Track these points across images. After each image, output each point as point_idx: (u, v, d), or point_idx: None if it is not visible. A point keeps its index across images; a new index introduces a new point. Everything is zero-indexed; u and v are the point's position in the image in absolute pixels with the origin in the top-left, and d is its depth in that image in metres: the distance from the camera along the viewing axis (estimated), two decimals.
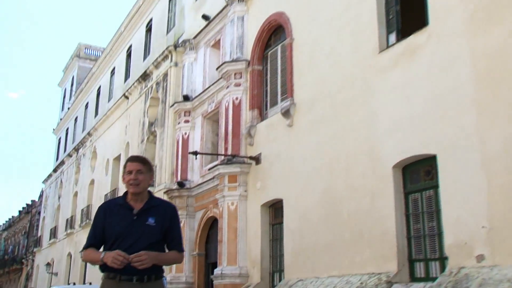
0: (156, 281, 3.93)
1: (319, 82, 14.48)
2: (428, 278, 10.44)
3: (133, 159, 4.12)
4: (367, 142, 12.24)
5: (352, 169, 12.66)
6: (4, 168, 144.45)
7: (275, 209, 16.48)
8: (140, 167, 4.03)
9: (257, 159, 17.01)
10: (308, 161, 14.43)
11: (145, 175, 4.06)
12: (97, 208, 4.16)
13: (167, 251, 4.08)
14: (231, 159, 17.58)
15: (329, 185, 13.38)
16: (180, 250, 4.12)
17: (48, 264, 40.15)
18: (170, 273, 20.89)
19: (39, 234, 48.90)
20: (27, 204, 59.17)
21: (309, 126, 14.67)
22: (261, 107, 17.91)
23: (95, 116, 37.76)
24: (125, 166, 4.11)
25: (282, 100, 16.72)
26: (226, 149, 18.26)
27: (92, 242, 3.95)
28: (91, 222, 4.26)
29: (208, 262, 20.83)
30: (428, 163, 10.86)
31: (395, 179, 11.39)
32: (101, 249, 3.96)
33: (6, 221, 70.47)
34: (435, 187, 10.57)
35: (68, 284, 31.15)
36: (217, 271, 17.16)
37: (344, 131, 13.13)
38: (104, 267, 3.84)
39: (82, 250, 4.07)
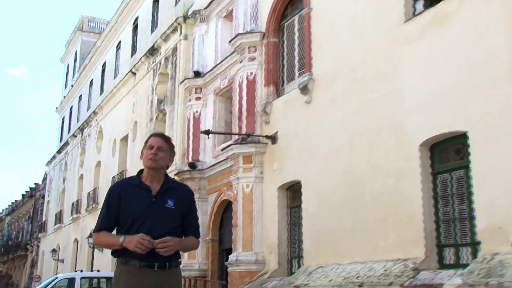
0: (175, 268, 3.96)
1: (339, 55, 14.37)
2: (458, 264, 10.41)
3: (156, 134, 4.13)
4: (392, 119, 12.16)
5: (375, 148, 12.60)
6: (5, 149, 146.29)
7: (293, 191, 16.50)
8: (163, 144, 4.04)
9: (273, 138, 17.00)
10: (328, 139, 14.39)
11: (165, 154, 4.04)
12: (107, 189, 4.11)
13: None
14: (246, 138, 17.58)
15: (351, 166, 13.35)
16: (198, 236, 4.14)
17: (53, 251, 40.79)
18: (182, 258, 21.01)
19: (43, 219, 49.61)
20: (30, 188, 59.96)
21: (328, 102, 14.60)
22: (277, 83, 17.85)
23: (101, 94, 37.92)
24: (146, 141, 4.11)
25: (299, 75, 16.63)
26: (240, 127, 18.26)
27: (106, 225, 3.91)
28: (98, 205, 4.16)
29: (222, 248, 20.98)
30: (458, 141, 10.77)
31: (422, 159, 11.32)
32: (114, 233, 3.96)
33: (9, 205, 71.58)
34: (466, 167, 10.50)
35: (75, 271, 31.63)
36: (231, 257, 17.29)
37: (367, 107, 13.05)
38: (119, 253, 3.83)
39: (93, 232, 4.01)
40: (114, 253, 3.92)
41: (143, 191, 3.95)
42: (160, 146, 4.02)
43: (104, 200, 4.02)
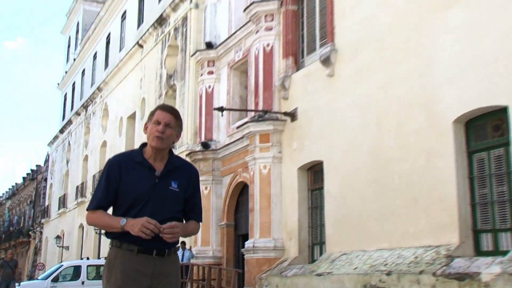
0: (174, 255, 3.91)
1: (364, 23, 14.23)
2: (497, 251, 10.35)
3: (165, 108, 3.96)
4: (423, 92, 12.04)
5: (404, 124, 12.52)
6: (3, 129, 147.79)
7: (314, 172, 16.49)
8: (171, 120, 3.90)
9: (292, 115, 16.96)
10: (352, 116, 14.33)
11: (173, 131, 3.91)
12: (107, 162, 3.98)
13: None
14: (263, 115, 17.56)
15: (377, 144, 13.28)
16: (200, 220, 4.07)
17: (58, 237, 41.34)
18: (195, 246, 21.27)
19: (46, 203, 50.23)
20: (31, 170, 60.65)
21: (353, 75, 14.50)
22: (296, 55, 17.74)
23: (105, 68, 38.02)
24: (152, 114, 3.96)
25: (321, 45, 16.51)
26: (256, 104, 18.23)
27: (103, 203, 3.82)
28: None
29: (238, 233, 21.10)
30: (497, 116, 10.64)
31: (456, 136, 11.22)
32: (109, 213, 3.91)
33: (9, 189, 72.49)
34: (506, 144, 10.38)
35: (81, 259, 32.06)
36: (248, 244, 17.39)
37: (395, 80, 12.93)
38: (115, 234, 3.77)
39: (87, 210, 3.89)
40: (109, 234, 3.86)
41: (146, 170, 3.86)
42: (168, 122, 3.89)
43: (102, 175, 3.90)
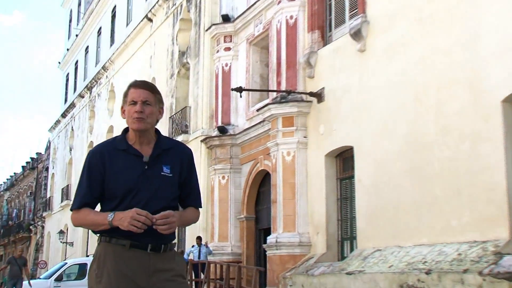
0: (171, 251, 3.87)
1: None
2: None
3: (138, 84, 3.90)
4: (467, 69, 11.91)
5: (446, 105, 12.41)
6: (0, 113, 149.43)
7: (343, 159, 16.47)
8: (148, 96, 3.85)
9: (319, 96, 16.91)
10: (386, 96, 14.24)
11: (153, 108, 3.86)
12: (88, 154, 3.94)
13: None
14: (286, 96, 17.53)
15: (415, 127, 13.20)
16: (199, 206, 4.04)
17: (61, 232, 41.82)
18: (212, 241, 21.36)
19: (48, 195, 50.77)
20: (31, 158, 61.28)
21: (387, 50, 14.40)
22: (323, 28, 17.64)
23: (111, 45, 38.16)
24: (126, 94, 3.90)
25: (351, 17, 16.41)
26: (278, 83, 18.20)
27: (88, 200, 3.79)
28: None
29: (259, 228, 21.15)
30: None
31: (505, 117, 11.09)
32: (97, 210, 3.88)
33: (7, 179, 73.33)
34: None
35: (87, 256, 32.41)
36: (270, 239, 17.41)
37: (435, 56, 12.80)
38: (103, 230, 3.75)
39: (70, 210, 3.87)
40: (97, 231, 3.83)
41: (132, 157, 3.82)
42: (145, 99, 3.83)
43: (83, 169, 3.88)
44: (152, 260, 3.75)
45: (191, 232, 23.24)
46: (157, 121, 3.96)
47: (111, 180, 3.78)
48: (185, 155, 3.99)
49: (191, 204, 3.98)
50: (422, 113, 13.05)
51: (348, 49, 15.85)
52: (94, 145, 38.46)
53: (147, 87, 3.90)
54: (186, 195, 3.96)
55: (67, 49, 50.47)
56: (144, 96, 3.84)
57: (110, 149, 3.87)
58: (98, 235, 3.84)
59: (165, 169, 3.84)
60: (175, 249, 4.04)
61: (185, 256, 20.62)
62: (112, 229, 3.69)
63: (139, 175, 3.78)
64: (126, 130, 3.95)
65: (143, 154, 3.84)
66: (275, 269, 17.08)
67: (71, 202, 3.88)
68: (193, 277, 20.44)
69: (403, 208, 13.34)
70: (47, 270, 28.17)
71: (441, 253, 11.70)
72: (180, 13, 26.89)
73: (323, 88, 16.83)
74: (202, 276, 19.99)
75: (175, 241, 4.02)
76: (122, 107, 3.94)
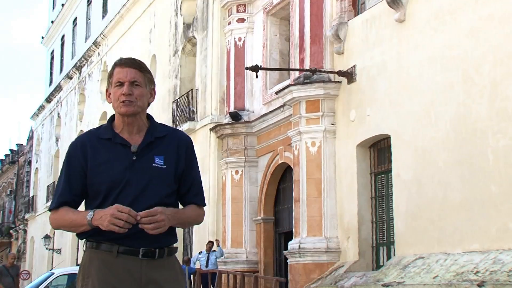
0: (169, 258, 3.86)
1: None
2: None
3: (125, 62, 3.90)
4: None
5: (502, 84, 12.32)
6: None
7: (378, 150, 16.45)
8: (136, 75, 3.84)
9: (349, 75, 16.86)
10: (430, 74, 14.15)
11: (143, 90, 3.86)
12: (70, 145, 3.93)
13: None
14: (310, 76, 17.48)
15: (464, 111, 13.13)
16: (202, 203, 4.03)
17: (46, 237, 42.04)
18: (224, 248, 21.39)
19: (31, 194, 51.04)
20: (11, 151, 61.60)
21: (431, 19, 14.32)
22: None
23: (103, 17, 38.22)
24: (110, 75, 3.90)
25: None
26: (301, 61, 18.16)
27: (67, 198, 3.79)
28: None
29: (279, 231, 21.17)
30: None
31: None
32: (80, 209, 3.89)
33: None
34: None
35: (77, 265, 32.52)
36: (292, 244, 17.41)
37: (489, 26, 12.70)
38: (88, 233, 3.75)
39: (49, 210, 3.88)
40: (80, 235, 3.83)
41: (118, 147, 3.83)
42: (133, 79, 3.83)
43: (63, 163, 3.88)
44: (144, 268, 3.74)
45: (199, 237, 23.29)
46: (149, 104, 3.96)
47: (94, 174, 3.78)
48: (183, 142, 3.98)
49: (192, 200, 3.96)
50: (474, 94, 12.98)
51: (385, 20, 15.78)
52: None
53: (135, 65, 3.89)
54: (186, 190, 3.95)
55: (52, 22, 50.57)
56: (132, 75, 3.84)
57: (93, 139, 3.87)
58: (83, 240, 3.84)
59: (157, 160, 3.84)
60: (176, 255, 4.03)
61: (192, 264, 20.67)
62: (97, 231, 3.68)
63: (125, 167, 3.78)
64: (112, 118, 3.95)
65: (130, 143, 3.84)
66: (298, 280, 17.07)
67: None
68: None
69: (450, 207, 13.27)
70: (31, 282, 28.32)
71: (497, 262, 11.64)
72: None
73: (354, 66, 16.78)
74: None
75: (176, 244, 3.98)
76: (107, 90, 3.94)
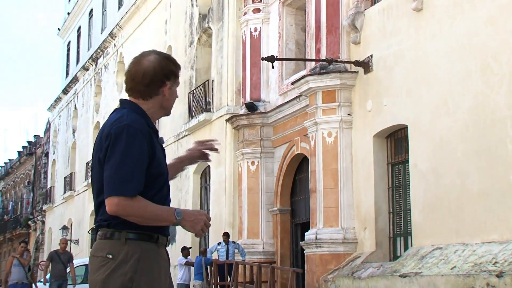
0: None
1: None
2: None
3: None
4: None
5: None
6: None
7: (396, 140, 16.41)
8: None
9: (366, 65, 16.81)
10: (448, 64, 14.07)
11: None
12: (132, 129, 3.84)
13: None
14: (326, 66, 17.43)
15: (483, 100, 13.04)
16: None
17: (64, 228, 42.21)
18: (240, 238, 21.39)
19: (48, 185, 51.30)
20: (28, 142, 61.92)
21: (449, 7, 14.22)
22: None
23: (119, 8, 38.23)
24: (176, 73, 4.06)
25: None
26: (318, 51, 18.10)
27: (141, 188, 3.74)
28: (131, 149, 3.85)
29: (296, 222, 21.16)
30: None
31: None
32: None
33: (1, 167, 74.20)
34: None
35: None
36: (309, 235, 17.40)
37: (508, 14, 12.61)
38: (129, 224, 3.74)
39: (121, 195, 3.67)
40: (124, 224, 3.77)
41: (157, 139, 3.96)
42: None
43: (129, 145, 3.75)
44: (167, 257, 3.98)
45: (215, 228, 23.26)
46: None
47: (155, 164, 3.83)
48: None
49: None
50: (492, 84, 12.88)
51: (402, 8, 15.70)
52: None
53: None
54: None
55: (68, 13, 50.68)
56: None
57: (148, 127, 3.90)
58: (122, 230, 3.78)
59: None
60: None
61: (209, 254, 20.66)
62: (137, 224, 3.75)
63: (165, 160, 3.97)
64: (136, 106, 3.94)
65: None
66: (314, 271, 17.07)
67: (115, 185, 3.68)
68: (218, 280, 20.50)
69: (469, 198, 13.21)
70: (49, 273, 28.45)
71: None
72: None
73: (371, 55, 16.72)
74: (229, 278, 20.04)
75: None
76: (166, 83, 3.97)
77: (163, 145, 4.01)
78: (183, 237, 24.21)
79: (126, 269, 3.72)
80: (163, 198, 3.83)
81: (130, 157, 3.74)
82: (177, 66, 4.04)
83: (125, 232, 3.78)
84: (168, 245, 3.95)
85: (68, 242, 41.59)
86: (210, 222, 3.83)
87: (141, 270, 3.73)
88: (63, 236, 19.55)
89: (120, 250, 3.76)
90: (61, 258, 17.88)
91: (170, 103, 3.99)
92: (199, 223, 3.76)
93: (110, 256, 3.73)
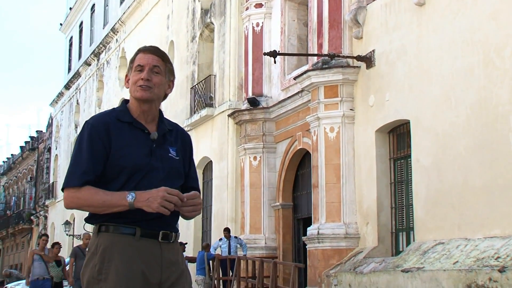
0: (177, 242, 3.96)
1: None
2: None
3: (148, 49, 3.97)
4: None
5: None
6: None
7: (398, 135, 16.40)
8: (158, 62, 3.93)
9: (368, 60, 16.79)
10: (450, 58, 14.05)
11: (162, 78, 3.95)
12: (88, 125, 3.92)
13: None
14: (329, 61, 17.41)
15: (486, 95, 13.02)
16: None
17: (67, 223, 42.30)
18: (242, 233, 21.40)
19: (51, 180, 51.35)
20: (31, 137, 61.94)
21: (451, 2, 14.19)
22: None
23: (121, 3, 38.22)
24: (132, 60, 3.97)
25: None
26: (320, 46, 18.08)
27: (90, 177, 3.77)
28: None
29: (298, 217, 21.16)
30: None
31: None
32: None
33: (3, 162, 74.29)
34: None
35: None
36: (311, 230, 17.40)
37: (511, 8, 12.56)
38: (105, 217, 3.76)
39: (65, 187, 3.83)
40: (94, 218, 3.82)
41: (138, 132, 3.88)
42: (155, 65, 3.92)
43: (80, 142, 3.86)
44: (164, 251, 3.82)
45: (217, 223, 23.31)
46: (166, 96, 4.03)
47: (117, 156, 3.80)
48: (187, 139, 4.14)
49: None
50: (495, 78, 12.86)
51: (404, 3, 15.67)
52: None
53: (158, 53, 3.97)
54: (189, 185, 4.04)
55: (70, 8, 50.67)
56: (154, 62, 3.91)
57: (114, 120, 3.89)
58: (95, 223, 3.83)
59: (171, 151, 3.95)
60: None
61: (212, 250, 20.68)
62: (114, 214, 3.72)
63: (147, 153, 3.84)
64: (126, 102, 4.01)
65: (150, 131, 3.91)
66: (316, 266, 17.08)
67: (64, 180, 3.81)
68: (220, 275, 20.52)
69: (471, 192, 13.20)
70: None
71: None
72: None
73: (373, 50, 16.70)
74: (231, 274, 20.06)
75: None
76: (126, 75, 4.00)
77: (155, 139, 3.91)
78: (185, 232, 24.22)
79: (96, 261, 3.75)
80: (137, 190, 3.74)
81: (77, 152, 3.85)
82: (136, 52, 3.98)
83: (98, 225, 3.83)
84: (171, 240, 3.83)
85: (71, 237, 41.82)
86: (174, 196, 3.65)
87: (108, 260, 3.73)
88: (84, 233, 19.12)
89: (93, 242, 3.84)
90: (85, 254, 16.79)
91: (131, 90, 3.92)
92: (155, 200, 3.64)
93: (88, 250, 3.86)
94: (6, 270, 41.50)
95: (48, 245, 17.26)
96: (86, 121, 3.91)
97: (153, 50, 3.96)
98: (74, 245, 40.86)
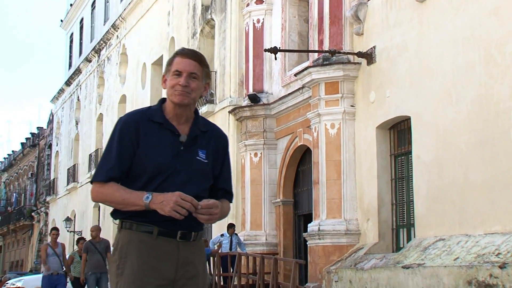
0: (200, 241, 4.04)
1: None
2: None
3: (186, 53, 4.00)
4: None
5: None
6: None
7: (399, 131, 16.39)
8: (196, 68, 3.96)
9: (369, 56, 16.77)
10: (451, 55, 14.03)
11: (199, 83, 3.99)
12: (120, 122, 4.01)
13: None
14: (329, 57, 17.39)
15: (487, 92, 13.00)
16: (231, 201, 4.23)
17: (68, 219, 42.31)
18: (243, 230, 21.39)
19: (52, 177, 51.36)
20: (32, 134, 61.97)
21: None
22: None
23: (122, 0, 38.20)
24: (170, 63, 4.00)
25: None
26: (321, 42, 18.05)
27: (117, 173, 3.88)
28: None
29: (299, 213, 21.17)
30: None
31: None
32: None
33: (4, 159, 74.33)
34: None
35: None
36: (312, 227, 17.40)
37: None
38: (127, 214, 3.87)
39: (93, 181, 3.93)
40: (118, 213, 3.92)
41: (168, 133, 3.95)
42: (193, 71, 3.95)
43: (112, 137, 3.95)
44: (181, 251, 3.89)
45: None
46: (201, 97, 4.20)
47: (143, 156, 3.88)
48: (222, 141, 4.15)
49: (224, 196, 4.14)
50: (496, 75, 12.84)
51: None
52: (104, 117, 39.02)
53: (196, 57, 4.00)
54: (220, 186, 4.12)
55: (70, 5, 50.63)
56: (191, 68, 3.95)
57: (145, 119, 3.96)
58: (117, 220, 3.94)
59: (200, 154, 3.99)
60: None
61: (211, 245, 20.62)
62: (137, 212, 3.81)
63: (173, 155, 3.91)
64: (162, 101, 4.05)
65: (180, 133, 3.96)
66: (317, 262, 17.09)
67: (93, 173, 3.90)
68: (221, 272, 20.50)
69: (472, 189, 13.19)
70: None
71: None
72: None
73: (374, 47, 16.69)
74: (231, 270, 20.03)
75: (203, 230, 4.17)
76: (163, 76, 4.04)
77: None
78: None
79: (116, 257, 3.89)
80: (157, 190, 3.83)
81: (108, 147, 3.95)
82: (173, 56, 4.03)
83: (120, 221, 3.94)
84: (190, 239, 3.93)
85: (72, 233, 41.83)
86: (188, 202, 3.72)
87: (125, 256, 3.85)
88: (93, 225, 18.74)
89: (116, 238, 3.95)
90: (98, 247, 16.11)
91: (169, 93, 3.97)
92: (168, 204, 3.72)
93: (112, 244, 4.02)
94: None
95: (60, 239, 17.16)
96: (119, 118, 4.01)
97: (191, 55, 4.00)
98: (74, 242, 40.98)
